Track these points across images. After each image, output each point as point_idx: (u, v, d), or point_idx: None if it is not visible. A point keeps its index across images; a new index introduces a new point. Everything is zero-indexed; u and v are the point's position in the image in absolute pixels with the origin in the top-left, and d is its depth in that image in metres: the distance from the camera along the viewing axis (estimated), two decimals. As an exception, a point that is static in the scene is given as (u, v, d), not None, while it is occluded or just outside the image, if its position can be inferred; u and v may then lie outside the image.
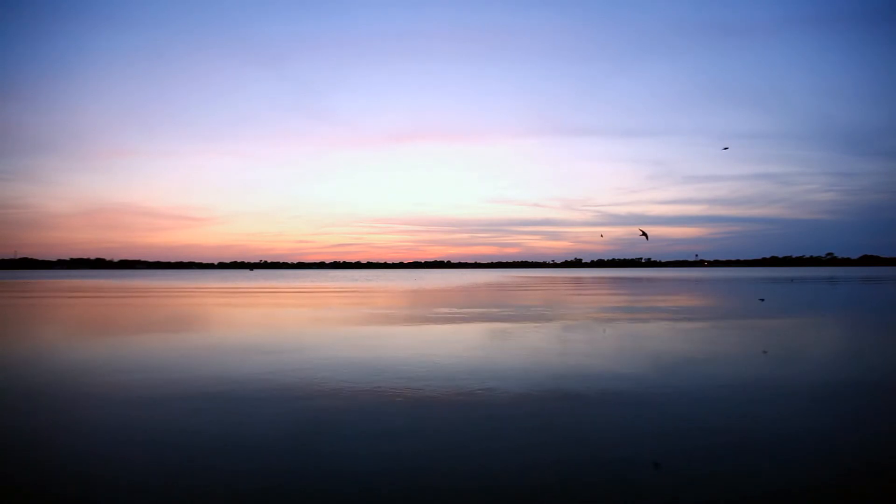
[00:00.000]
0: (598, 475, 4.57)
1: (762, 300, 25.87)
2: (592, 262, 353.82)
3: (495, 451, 5.17)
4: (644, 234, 38.81)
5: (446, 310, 21.58)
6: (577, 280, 67.69)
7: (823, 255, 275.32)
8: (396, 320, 17.77)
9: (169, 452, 5.16)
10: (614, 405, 6.78)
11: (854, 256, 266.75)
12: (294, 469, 4.73)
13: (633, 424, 5.99)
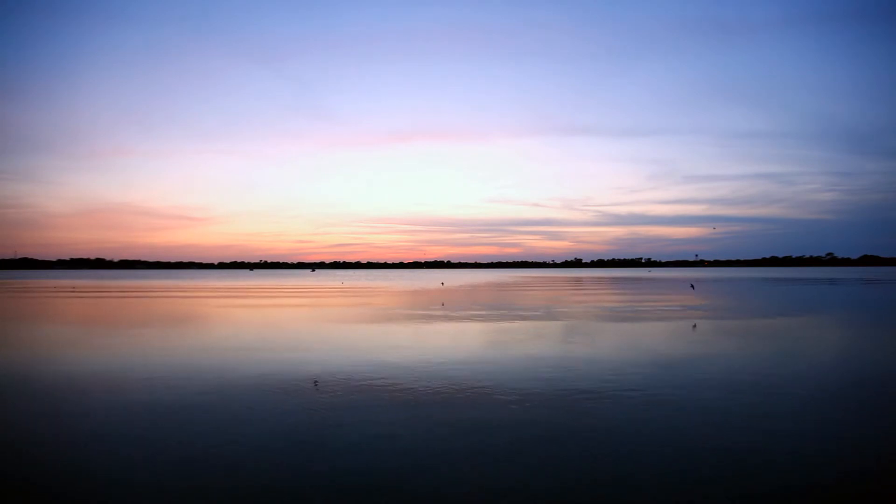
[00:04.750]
0: (599, 478, 4.57)
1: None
2: (592, 262, 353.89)
3: (495, 454, 5.17)
4: None
5: (447, 309, 21.58)
6: (577, 280, 67.63)
7: (823, 255, 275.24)
8: (397, 320, 17.77)
9: (168, 451, 5.15)
10: (616, 407, 6.78)
11: (854, 256, 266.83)
12: (292, 466, 4.72)
13: (635, 427, 5.98)
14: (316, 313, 21.05)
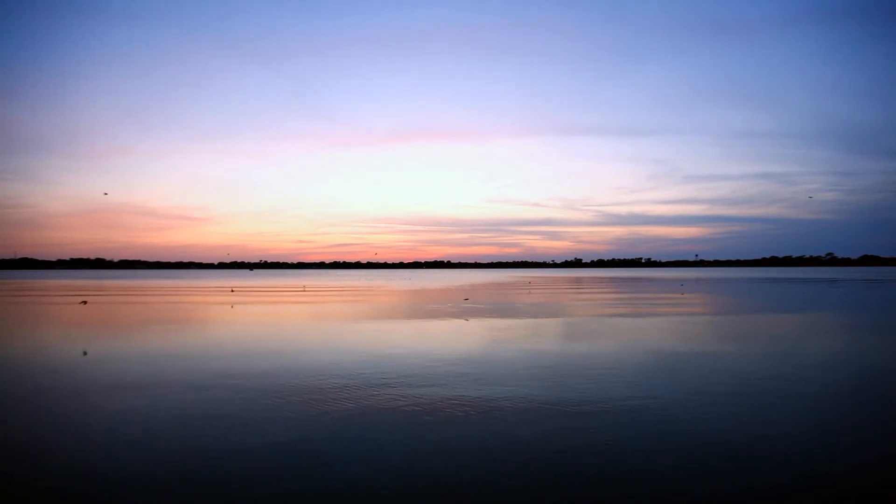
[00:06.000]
0: (603, 484, 4.66)
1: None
2: (592, 262, 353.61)
3: (496, 460, 5.25)
4: None
5: (449, 310, 21.65)
6: (578, 280, 67.58)
7: (823, 255, 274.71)
8: (399, 321, 17.84)
9: (167, 455, 5.24)
10: (617, 411, 6.87)
11: (854, 256, 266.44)
12: (290, 475, 4.77)
13: (637, 432, 6.08)
14: (317, 315, 21.10)
